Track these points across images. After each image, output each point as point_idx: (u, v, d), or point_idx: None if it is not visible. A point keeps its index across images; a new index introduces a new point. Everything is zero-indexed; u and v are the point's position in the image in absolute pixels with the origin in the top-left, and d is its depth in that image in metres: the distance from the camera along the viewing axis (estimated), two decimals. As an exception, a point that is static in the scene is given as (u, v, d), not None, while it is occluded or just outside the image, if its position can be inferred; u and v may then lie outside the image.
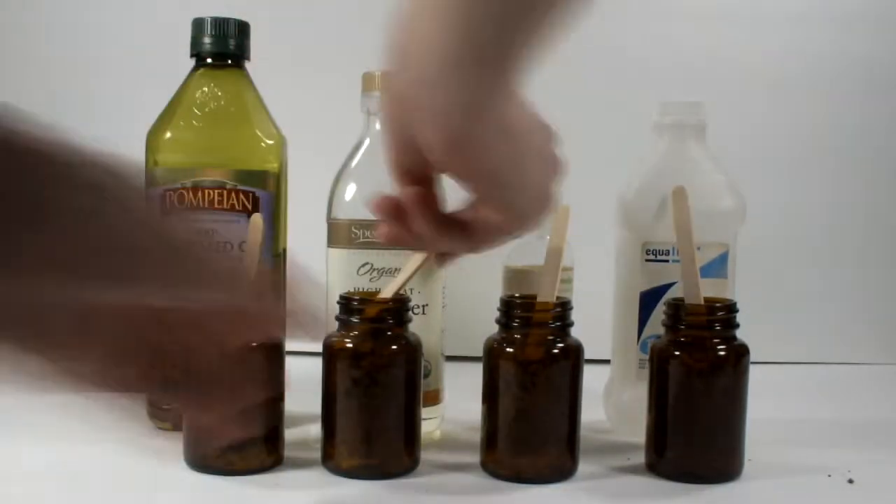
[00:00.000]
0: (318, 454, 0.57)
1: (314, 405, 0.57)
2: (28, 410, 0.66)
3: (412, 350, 0.56)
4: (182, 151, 0.63)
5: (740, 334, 0.56)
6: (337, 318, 0.56)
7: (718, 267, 0.64)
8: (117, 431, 0.59)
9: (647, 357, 0.60)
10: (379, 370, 0.54)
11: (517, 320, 0.55)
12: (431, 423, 0.64)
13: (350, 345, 0.55)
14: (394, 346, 0.55)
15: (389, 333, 0.55)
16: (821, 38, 0.98)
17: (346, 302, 0.55)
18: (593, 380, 0.62)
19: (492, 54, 0.37)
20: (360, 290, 0.60)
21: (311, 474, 0.56)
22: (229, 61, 0.65)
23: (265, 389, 0.50)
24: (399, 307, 0.55)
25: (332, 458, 0.56)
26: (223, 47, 0.64)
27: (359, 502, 0.52)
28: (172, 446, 0.57)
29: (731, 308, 0.56)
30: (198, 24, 0.64)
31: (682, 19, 0.96)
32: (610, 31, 0.85)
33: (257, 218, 0.57)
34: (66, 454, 0.59)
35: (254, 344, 0.46)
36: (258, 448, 0.56)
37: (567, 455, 0.55)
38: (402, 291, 0.56)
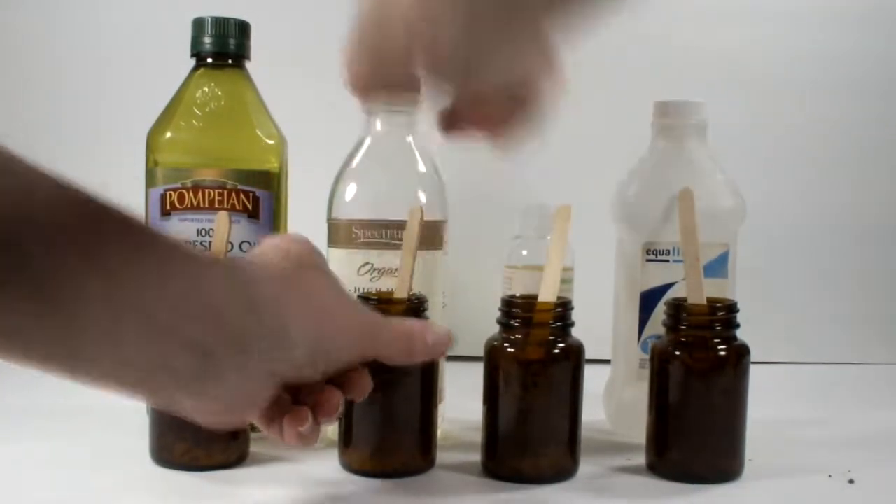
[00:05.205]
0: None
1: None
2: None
3: None
4: (182, 151, 0.63)
5: (740, 334, 0.56)
6: None
7: (718, 267, 0.64)
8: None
9: (647, 357, 0.60)
10: (398, 369, 0.54)
11: (517, 320, 0.55)
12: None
13: None
14: None
15: None
16: (822, 38, 0.98)
17: (363, 302, 0.54)
18: (593, 380, 0.62)
19: None
20: (360, 290, 0.60)
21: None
22: (230, 61, 0.65)
23: None
24: (417, 307, 0.55)
25: (348, 458, 0.56)
26: (224, 47, 0.64)
27: (346, 501, 0.52)
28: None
29: (731, 308, 0.56)
30: (198, 24, 0.64)
31: (682, 19, 0.96)
32: (610, 30, 0.85)
33: (224, 215, 0.58)
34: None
35: None
36: (223, 444, 0.56)
37: (567, 455, 0.55)
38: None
